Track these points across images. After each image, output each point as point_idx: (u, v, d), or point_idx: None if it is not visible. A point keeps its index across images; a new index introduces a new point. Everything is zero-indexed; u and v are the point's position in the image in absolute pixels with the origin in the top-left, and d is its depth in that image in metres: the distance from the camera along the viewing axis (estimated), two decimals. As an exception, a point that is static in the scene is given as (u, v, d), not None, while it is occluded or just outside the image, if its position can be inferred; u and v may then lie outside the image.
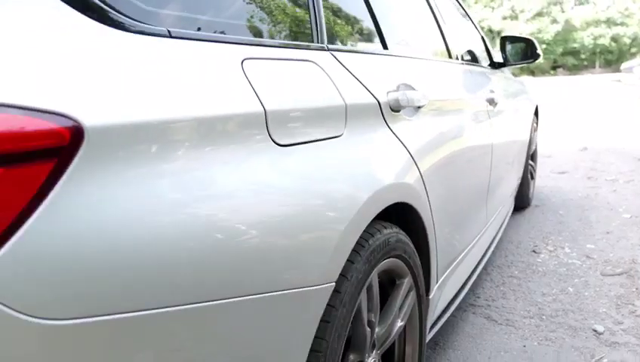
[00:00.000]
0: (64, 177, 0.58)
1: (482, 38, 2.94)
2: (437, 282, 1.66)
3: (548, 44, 37.28)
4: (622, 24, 36.14)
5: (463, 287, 2.11)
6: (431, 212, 1.44)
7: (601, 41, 35.92)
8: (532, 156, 4.08)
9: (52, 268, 0.56)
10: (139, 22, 0.76)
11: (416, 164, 1.35)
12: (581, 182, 4.85)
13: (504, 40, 2.92)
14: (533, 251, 3.11)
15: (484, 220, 2.30)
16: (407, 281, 1.37)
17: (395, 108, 1.34)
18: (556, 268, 2.83)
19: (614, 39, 35.84)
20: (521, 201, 3.85)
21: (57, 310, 0.56)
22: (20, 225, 0.54)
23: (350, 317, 1.04)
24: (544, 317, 2.29)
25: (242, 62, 0.90)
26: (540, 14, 39.14)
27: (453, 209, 1.70)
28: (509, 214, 3.36)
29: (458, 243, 1.85)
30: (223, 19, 0.98)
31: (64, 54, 0.65)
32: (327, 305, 0.96)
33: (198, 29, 0.88)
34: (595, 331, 2.15)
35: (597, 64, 36.91)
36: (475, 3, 45.10)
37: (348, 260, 1.01)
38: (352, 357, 1.15)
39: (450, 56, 2.17)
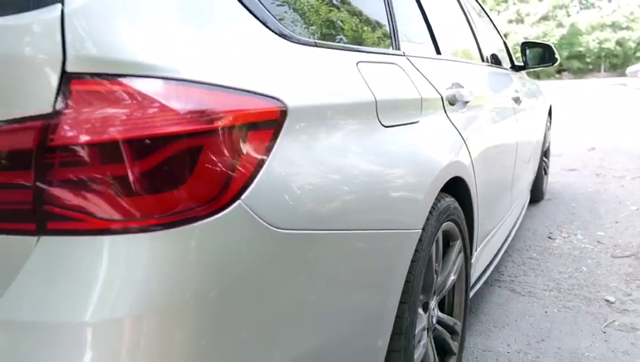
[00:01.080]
0: (279, 142, 0.90)
1: (504, 42, 3.25)
2: (477, 250, 1.97)
3: (553, 47, 37.49)
4: (627, 28, 36.38)
5: (490, 263, 2.42)
6: (476, 187, 1.75)
7: (606, 45, 36.16)
8: (545, 153, 4.39)
9: (279, 195, 0.88)
10: (300, 37, 1.08)
11: (467, 147, 1.67)
12: (590, 178, 5.16)
13: (524, 45, 3.23)
14: (549, 237, 3.42)
15: (509, 204, 2.61)
16: (458, 244, 1.69)
17: (452, 102, 1.66)
18: (570, 251, 3.14)
19: (619, 43, 36.07)
20: (536, 195, 4.16)
21: (287, 223, 0.88)
22: (262, 165, 0.86)
23: (427, 260, 1.36)
24: (562, 290, 2.60)
25: (357, 64, 1.22)
26: (545, 18, 39.38)
27: (489, 188, 2.01)
28: (526, 205, 3.67)
29: (491, 219, 2.17)
30: (342, 33, 1.30)
31: (267, 56, 0.97)
32: (415, 250, 1.27)
33: (331, 40, 1.21)
34: (607, 301, 2.46)
35: (602, 68, 37.14)
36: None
37: (427, 217, 1.33)
38: (422, 297, 1.46)
39: (482, 60, 2.49)
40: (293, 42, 1.06)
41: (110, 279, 0.75)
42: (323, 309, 1.00)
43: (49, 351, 0.73)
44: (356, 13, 1.42)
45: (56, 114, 0.73)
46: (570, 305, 2.44)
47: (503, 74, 2.75)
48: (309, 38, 1.13)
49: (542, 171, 4.20)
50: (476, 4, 2.98)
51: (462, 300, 1.78)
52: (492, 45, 2.92)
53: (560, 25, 38.85)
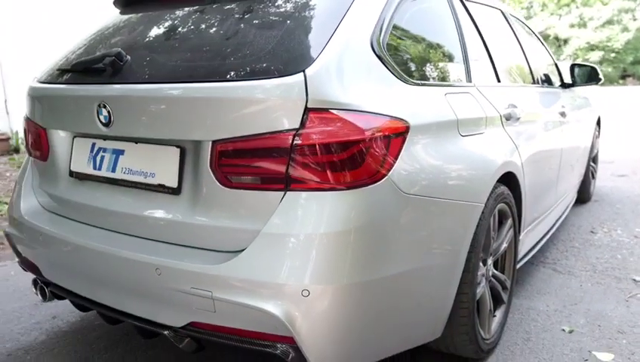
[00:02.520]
0: (405, 144, 1.58)
1: (555, 63, 3.82)
2: (524, 230, 2.59)
3: (617, 52, 36.58)
4: (698, 33, 34.98)
5: (535, 246, 3.01)
6: (524, 181, 2.38)
7: (674, 51, 34.89)
8: (594, 159, 4.88)
9: (406, 174, 1.56)
10: (411, 78, 1.77)
11: (518, 151, 2.30)
12: (638, 184, 5.58)
13: (573, 66, 3.79)
14: (591, 231, 3.95)
15: (553, 199, 3.20)
16: (509, 222, 2.32)
17: (507, 118, 2.30)
18: (609, 243, 3.67)
19: (689, 48, 34.73)
20: (583, 196, 4.66)
21: (409, 190, 1.57)
22: (394, 162, 1.54)
23: (486, 227, 2.01)
24: (597, 271, 3.16)
25: (445, 95, 1.89)
26: (609, 22, 38.36)
27: (536, 183, 2.62)
28: (572, 202, 4.20)
29: (537, 209, 2.77)
30: (436, 75, 1.98)
31: (398, 95, 1.66)
32: (479, 219, 1.93)
33: (428, 80, 1.89)
34: (634, 280, 3.01)
35: (669, 74, 35.82)
36: (542, 10, 44.65)
37: (488, 197, 1.98)
38: (481, 254, 2.11)
39: (534, 82, 3.10)
40: (409, 84, 1.75)
41: (321, 214, 1.45)
42: (422, 243, 1.68)
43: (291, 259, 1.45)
44: (444, 60, 2.10)
45: (301, 128, 1.45)
46: (602, 281, 3.00)
47: (551, 92, 3.33)
48: (418, 81, 1.81)
49: (589, 175, 4.69)
50: (530, 31, 3.56)
51: (511, 264, 2.42)
52: (543, 67, 3.51)
53: (625, 29, 37.74)
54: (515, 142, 2.30)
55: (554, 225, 3.45)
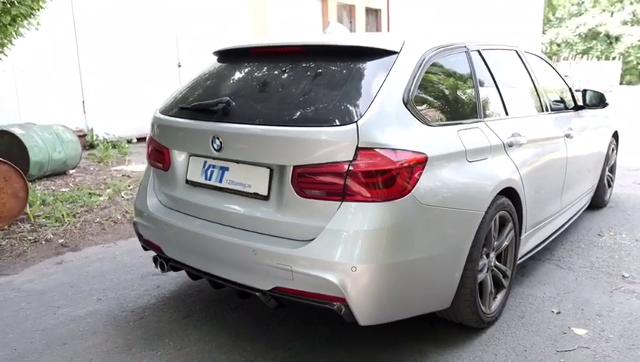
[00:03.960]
0: (424, 170, 2.31)
1: (569, 88, 4.43)
2: (525, 232, 3.27)
3: (671, 52, 35.55)
4: None
5: (539, 245, 3.66)
6: (524, 192, 3.06)
7: None
8: (611, 169, 5.43)
9: (424, 191, 2.29)
10: (431, 121, 2.49)
11: (518, 170, 2.99)
12: (655, 192, 6.06)
13: (585, 91, 4.40)
14: (598, 234, 4.55)
15: (558, 208, 3.83)
16: (510, 225, 3.02)
17: (510, 145, 2.99)
18: (611, 245, 4.27)
19: None
20: (598, 202, 5.23)
21: (426, 202, 2.29)
22: (416, 183, 2.27)
23: (487, 228, 2.71)
24: (593, 268, 3.79)
25: (458, 131, 2.61)
26: (664, 20, 37.28)
27: (536, 194, 3.29)
28: (584, 208, 4.79)
29: (538, 214, 3.44)
30: (451, 116, 2.70)
31: (420, 134, 2.38)
32: (480, 222, 2.63)
33: (444, 120, 2.61)
34: (623, 276, 3.63)
35: None
36: (593, 7, 43.76)
37: (488, 206, 2.68)
38: (485, 249, 2.81)
39: (542, 110, 3.75)
40: (430, 125, 2.47)
41: (365, 217, 2.20)
42: (435, 238, 2.40)
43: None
44: (459, 103, 2.81)
45: (353, 160, 2.21)
46: (595, 276, 3.64)
47: (560, 117, 3.96)
48: (436, 122, 2.54)
49: (605, 183, 5.25)
50: (545, 62, 4.20)
51: (512, 258, 3.11)
52: (555, 93, 4.14)
53: (680, 28, 36.62)
54: (516, 164, 2.99)
55: (560, 228, 4.08)
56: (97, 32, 9.75)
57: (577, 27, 42.75)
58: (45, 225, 4.81)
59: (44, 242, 4.43)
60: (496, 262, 2.99)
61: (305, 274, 2.25)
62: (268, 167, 2.44)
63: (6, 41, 5.91)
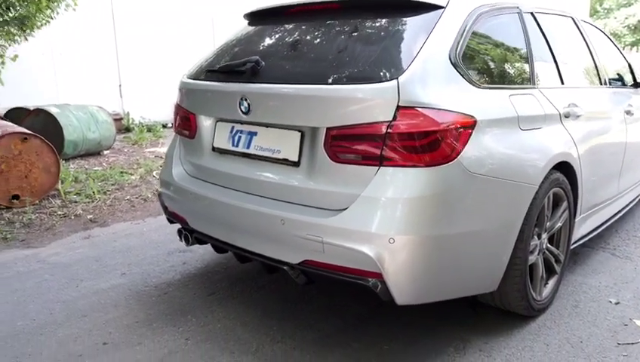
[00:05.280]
0: (472, 135, 2.06)
1: (629, 65, 4.07)
2: (580, 215, 2.97)
3: None
4: None
5: (594, 230, 3.35)
6: (580, 169, 2.77)
7: None
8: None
9: (472, 157, 2.04)
10: (481, 83, 2.24)
11: (575, 144, 2.70)
12: None
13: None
14: (657, 223, 4.18)
15: (615, 190, 3.51)
16: (564, 204, 2.73)
17: (566, 116, 2.70)
18: (672, 235, 3.91)
19: None
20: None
21: (474, 169, 2.05)
22: (463, 148, 2.03)
23: (540, 205, 2.44)
24: (653, 257, 3.46)
25: (509, 96, 2.35)
26: None
27: (593, 173, 2.98)
28: (641, 196, 4.43)
29: (595, 196, 3.13)
30: (502, 79, 2.44)
31: (468, 95, 2.14)
32: (533, 198, 2.37)
33: (495, 83, 2.35)
34: (688, 267, 3.29)
35: None
36: (644, -3, 41.78)
37: (542, 180, 2.41)
38: (536, 230, 2.54)
39: (600, 83, 3.42)
40: (479, 88, 2.22)
41: (404, 184, 1.98)
42: (483, 211, 2.15)
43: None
44: (511, 67, 2.54)
45: (392, 120, 1.98)
46: (656, 266, 3.31)
47: (619, 93, 3.62)
48: (486, 84, 2.28)
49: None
50: (603, 35, 3.86)
51: (565, 242, 2.82)
52: (614, 69, 3.79)
53: None
54: (573, 137, 2.70)
55: (616, 214, 3.75)
56: (135, 17, 9.75)
57: (626, 18, 40.90)
58: (76, 201, 4.75)
59: (73, 217, 4.36)
60: (549, 245, 2.71)
61: (337, 245, 2.04)
62: (299, 131, 2.24)
63: (41, 20, 5.89)
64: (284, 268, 2.24)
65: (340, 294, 2.85)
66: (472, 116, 2.09)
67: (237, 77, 2.44)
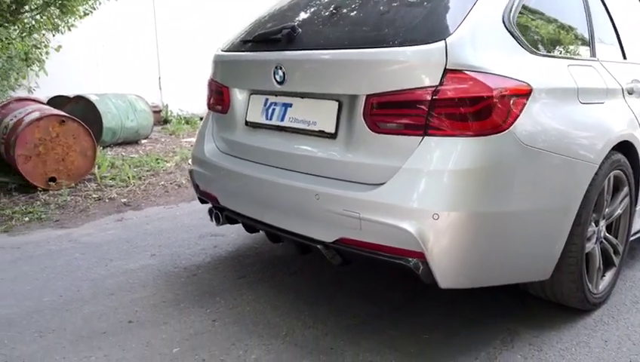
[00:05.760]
0: (527, 104, 1.87)
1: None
2: (642, 201, 2.72)
3: None
4: None
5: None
6: (643, 151, 2.52)
7: None
8: None
9: (525, 128, 1.85)
10: (537, 50, 2.04)
11: (638, 122, 2.46)
12: None
13: None
14: None
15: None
16: (625, 190, 2.49)
17: (630, 92, 2.46)
18: None
19: None
20: None
21: (527, 142, 1.85)
22: (517, 118, 1.83)
23: (599, 188, 2.22)
24: None
25: (568, 66, 2.13)
26: None
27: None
28: None
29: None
30: (561, 48, 2.22)
31: (524, 62, 1.94)
32: (592, 178, 2.15)
33: (552, 52, 2.14)
34: None
35: None
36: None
37: (603, 160, 2.18)
38: (594, 215, 2.31)
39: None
40: (535, 55, 2.02)
41: (451, 155, 1.80)
42: (538, 189, 1.95)
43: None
44: (569, 36, 2.33)
45: (439, 85, 1.80)
46: None
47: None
48: (543, 52, 2.08)
49: None
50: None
51: (624, 232, 2.58)
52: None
53: None
54: (636, 114, 2.46)
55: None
56: (176, 10, 9.80)
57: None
58: (111, 186, 4.73)
59: (107, 200, 4.33)
60: (607, 234, 2.48)
61: (375, 221, 1.88)
62: (336, 100, 2.09)
63: (82, 4, 5.94)
64: (318, 246, 2.10)
65: (374, 280, 2.69)
66: (527, 84, 1.89)
67: (272, 45, 2.31)
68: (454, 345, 2.14)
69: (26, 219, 3.84)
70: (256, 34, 2.46)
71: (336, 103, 2.08)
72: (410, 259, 1.86)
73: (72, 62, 8.16)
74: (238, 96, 2.55)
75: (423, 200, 1.81)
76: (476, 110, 1.79)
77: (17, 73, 6.97)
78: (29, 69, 7.31)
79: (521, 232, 1.95)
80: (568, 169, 2.05)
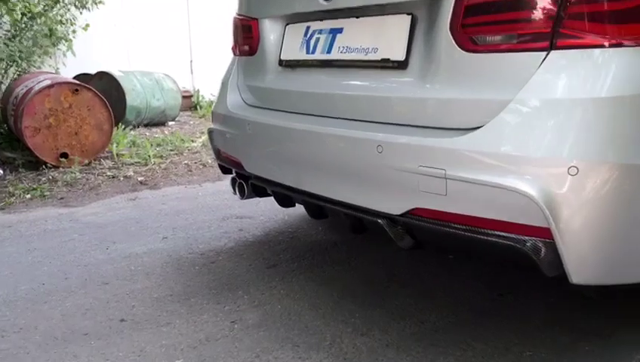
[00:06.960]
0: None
1: None
2: None
3: None
4: None
5: None
6: None
7: None
8: None
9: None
10: None
11: None
12: None
13: None
14: None
15: None
16: None
17: None
18: None
19: None
20: None
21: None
22: None
23: None
24: None
25: None
26: None
27: None
28: None
29: None
30: None
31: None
32: None
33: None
34: None
35: None
36: None
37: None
38: None
39: None
40: None
41: (598, 76, 1.15)
42: None
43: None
44: None
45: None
46: None
47: None
48: None
49: None
50: None
51: None
52: None
53: None
54: None
55: None
56: (207, -8, 9.34)
57: None
58: (129, 164, 4.21)
59: (122, 178, 3.80)
60: None
61: (472, 181, 1.24)
62: (408, 13, 1.46)
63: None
64: (380, 222, 1.47)
65: (449, 272, 2.05)
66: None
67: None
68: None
69: (28, 196, 3.34)
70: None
71: (408, 17, 1.45)
72: (526, 238, 1.22)
73: (100, 43, 7.77)
74: (270, 29, 1.95)
75: (552, 145, 1.16)
76: (633, 5, 1.14)
77: (42, 51, 6.58)
78: (55, 48, 6.93)
79: None
80: None
